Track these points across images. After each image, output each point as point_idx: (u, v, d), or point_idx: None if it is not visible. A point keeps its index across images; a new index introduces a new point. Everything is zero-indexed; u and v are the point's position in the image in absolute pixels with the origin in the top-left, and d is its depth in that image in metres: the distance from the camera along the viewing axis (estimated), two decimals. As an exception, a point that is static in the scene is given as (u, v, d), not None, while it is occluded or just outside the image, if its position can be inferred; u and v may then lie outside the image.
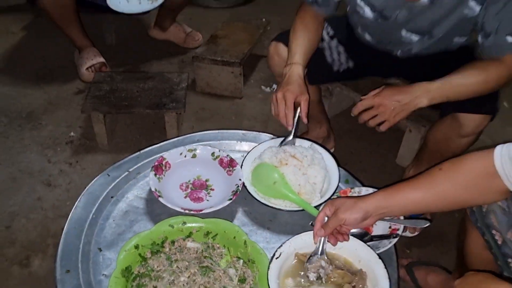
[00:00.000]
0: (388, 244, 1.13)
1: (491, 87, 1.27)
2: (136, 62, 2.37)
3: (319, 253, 1.04)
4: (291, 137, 1.31)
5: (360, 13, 1.42)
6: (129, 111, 1.76)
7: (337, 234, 1.04)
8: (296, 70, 1.34)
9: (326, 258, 1.04)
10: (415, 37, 1.42)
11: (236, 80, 2.14)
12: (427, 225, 1.15)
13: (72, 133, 1.90)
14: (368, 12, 1.41)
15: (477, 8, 1.26)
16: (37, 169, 1.73)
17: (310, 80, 1.47)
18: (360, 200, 1.03)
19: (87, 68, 2.17)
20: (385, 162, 1.85)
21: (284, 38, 1.49)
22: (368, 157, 1.88)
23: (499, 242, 1.02)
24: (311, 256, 1.04)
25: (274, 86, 2.28)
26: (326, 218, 1.05)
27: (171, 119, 1.76)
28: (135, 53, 2.45)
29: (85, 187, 1.24)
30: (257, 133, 1.47)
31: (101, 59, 2.20)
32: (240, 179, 1.25)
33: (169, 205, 1.17)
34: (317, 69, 1.52)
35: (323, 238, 1.04)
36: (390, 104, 1.27)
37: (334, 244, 1.05)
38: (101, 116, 1.74)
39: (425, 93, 1.26)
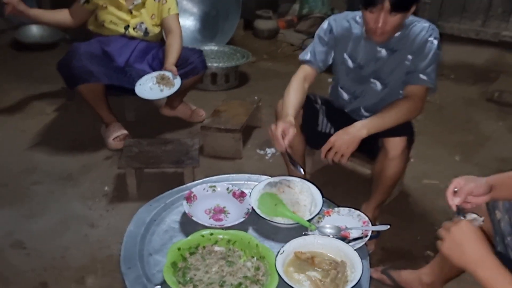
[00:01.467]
0: (361, 243, 1.56)
1: (409, 114, 1.87)
2: (152, 134, 2.85)
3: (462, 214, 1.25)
4: (299, 170, 1.79)
5: (345, 64, 2.02)
6: (156, 166, 2.23)
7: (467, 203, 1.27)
8: (288, 118, 1.82)
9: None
10: (378, 85, 1.99)
11: (236, 144, 2.64)
12: (388, 227, 1.61)
13: (106, 188, 2.34)
14: (350, 63, 2.01)
15: (410, 58, 1.89)
16: (81, 215, 2.14)
17: (304, 129, 2.05)
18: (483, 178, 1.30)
19: (113, 139, 2.65)
20: (355, 205, 2.29)
21: None
22: (342, 201, 2.32)
23: (498, 218, 1.36)
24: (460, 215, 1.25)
25: (267, 149, 2.78)
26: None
27: (188, 172, 2.22)
28: (150, 127, 2.94)
29: (122, 227, 1.62)
30: (259, 175, 1.93)
31: (125, 131, 2.69)
32: (249, 204, 1.69)
33: (199, 222, 1.60)
34: (309, 120, 2.05)
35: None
36: (341, 139, 1.82)
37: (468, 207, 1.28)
38: (133, 171, 2.19)
39: (363, 127, 1.83)
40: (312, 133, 2.11)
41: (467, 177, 1.30)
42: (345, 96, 2.12)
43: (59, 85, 3.21)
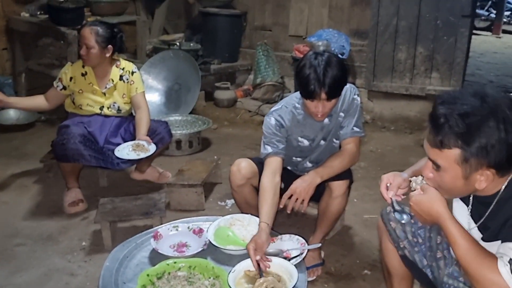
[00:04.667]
0: (299, 259, 1.90)
1: (351, 161, 2.26)
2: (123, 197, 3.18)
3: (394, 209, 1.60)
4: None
5: (300, 144, 2.35)
6: (128, 219, 2.54)
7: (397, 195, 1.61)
8: (264, 231, 1.93)
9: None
10: (322, 142, 2.35)
11: (199, 198, 2.98)
12: (320, 245, 1.97)
13: (83, 243, 2.62)
14: (306, 142, 2.36)
15: (342, 115, 2.28)
16: (61, 267, 2.41)
17: None
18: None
19: (68, 204, 2.95)
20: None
21: (243, 160, 2.36)
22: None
23: (393, 227, 1.73)
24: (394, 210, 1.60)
25: (227, 201, 3.13)
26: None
27: (157, 222, 2.53)
28: (122, 191, 3.25)
29: (98, 276, 1.88)
30: (215, 216, 2.28)
31: (80, 197, 2.99)
32: (207, 238, 2.02)
33: (165, 254, 1.92)
34: None
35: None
36: (301, 186, 2.17)
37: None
38: (107, 224, 2.50)
39: (317, 175, 2.20)
40: None
41: (394, 173, 1.66)
42: (297, 159, 2.44)
43: (37, 162, 3.53)
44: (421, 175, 1.51)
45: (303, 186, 2.16)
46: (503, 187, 1.37)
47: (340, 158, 2.26)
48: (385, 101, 4.67)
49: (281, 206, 2.18)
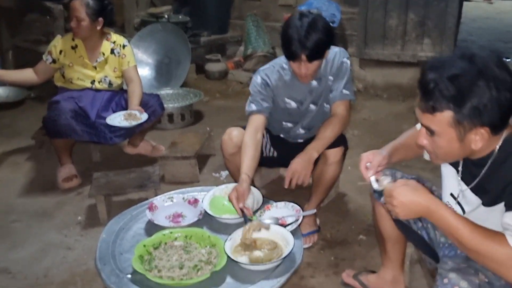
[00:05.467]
0: (295, 225, 1.91)
1: (342, 126, 2.27)
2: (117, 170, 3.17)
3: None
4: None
5: (287, 106, 2.34)
6: (122, 192, 2.54)
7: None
8: (243, 181, 1.99)
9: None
10: (313, 107, 2.35)
11: (193, 169, 2.98)
12: (314, 211, 1.98)
13: (79, 217, 2.62)
14: (293, 104, 2.35)
15: (331, 79, 2.27)
16: (58, 242, 2.42)
17: None
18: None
19: (62, 180, 2.94)
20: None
21: (234, 128, 2.35)
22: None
23: None
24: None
25: (222, 172, 3.13)
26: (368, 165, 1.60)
27: (151, 195, 2.53)
28: (115, 165, 3.24)
29: (95, 249, 1.86)
30: (210, 187, 2.28)
31: (74, 172, 2.98)
32: (202, 207, 2.03)
33: (161, 224, 1.93)
34: None
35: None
36: (300, 165, 2.17)
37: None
38: (102, 198, 2.50)
39: (313, 151, 2.20)
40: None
41: (373, 151, 1.65)
42: (288, 125, 2.44)
43: (28, 139, 3.50)
44: (390, 177, 1.48)
45: (303, 165, 2.16)
46: (498, 146, 1.37)
47: (331, 126, 2.25)
48: (377, 69, 4.65)
49: (286, 187, 2.19)
